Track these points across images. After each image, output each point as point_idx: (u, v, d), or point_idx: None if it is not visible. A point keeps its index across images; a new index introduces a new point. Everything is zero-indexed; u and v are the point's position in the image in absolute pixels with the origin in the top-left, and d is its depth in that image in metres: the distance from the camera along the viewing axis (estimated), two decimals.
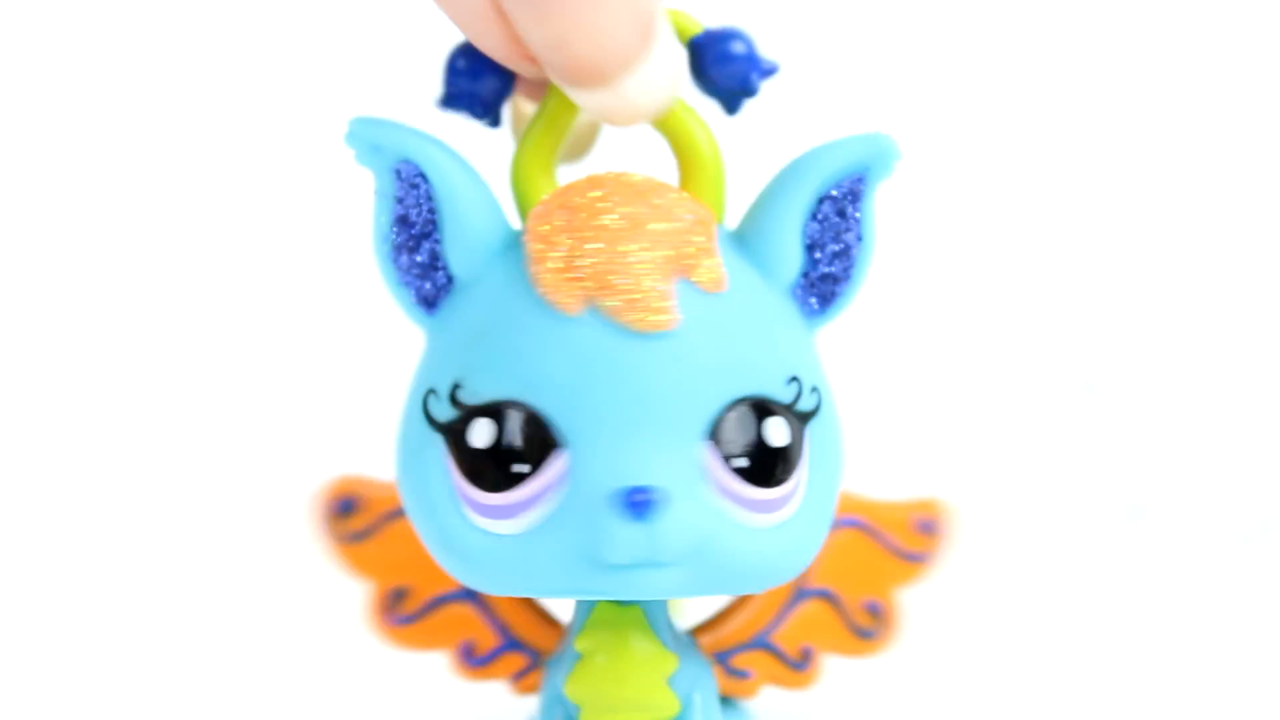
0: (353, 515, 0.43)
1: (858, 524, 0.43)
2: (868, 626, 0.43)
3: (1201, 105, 0.73)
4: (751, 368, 0.37)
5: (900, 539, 0.43)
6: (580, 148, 0.43)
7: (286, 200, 0.70)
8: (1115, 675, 0.52)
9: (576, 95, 0.37)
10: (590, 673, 0.39)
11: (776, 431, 0.38)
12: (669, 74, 0.38)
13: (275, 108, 0.69)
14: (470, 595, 0.43)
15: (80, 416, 0.68)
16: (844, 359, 0.41)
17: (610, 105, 0.37)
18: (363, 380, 0.49)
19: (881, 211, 0.39)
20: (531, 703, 0.43)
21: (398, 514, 0.43)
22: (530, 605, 0.43)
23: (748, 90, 0.40)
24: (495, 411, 0.37)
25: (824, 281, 0.39)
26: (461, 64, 0.40)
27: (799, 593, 0.43)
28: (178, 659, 0.55)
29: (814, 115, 0.49)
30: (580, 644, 0.40)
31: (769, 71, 0.40)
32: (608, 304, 0.36)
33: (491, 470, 0.37)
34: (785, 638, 0.43)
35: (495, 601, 0.43)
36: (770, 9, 0.42)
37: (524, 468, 0.37)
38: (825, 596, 0.43)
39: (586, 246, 0.37)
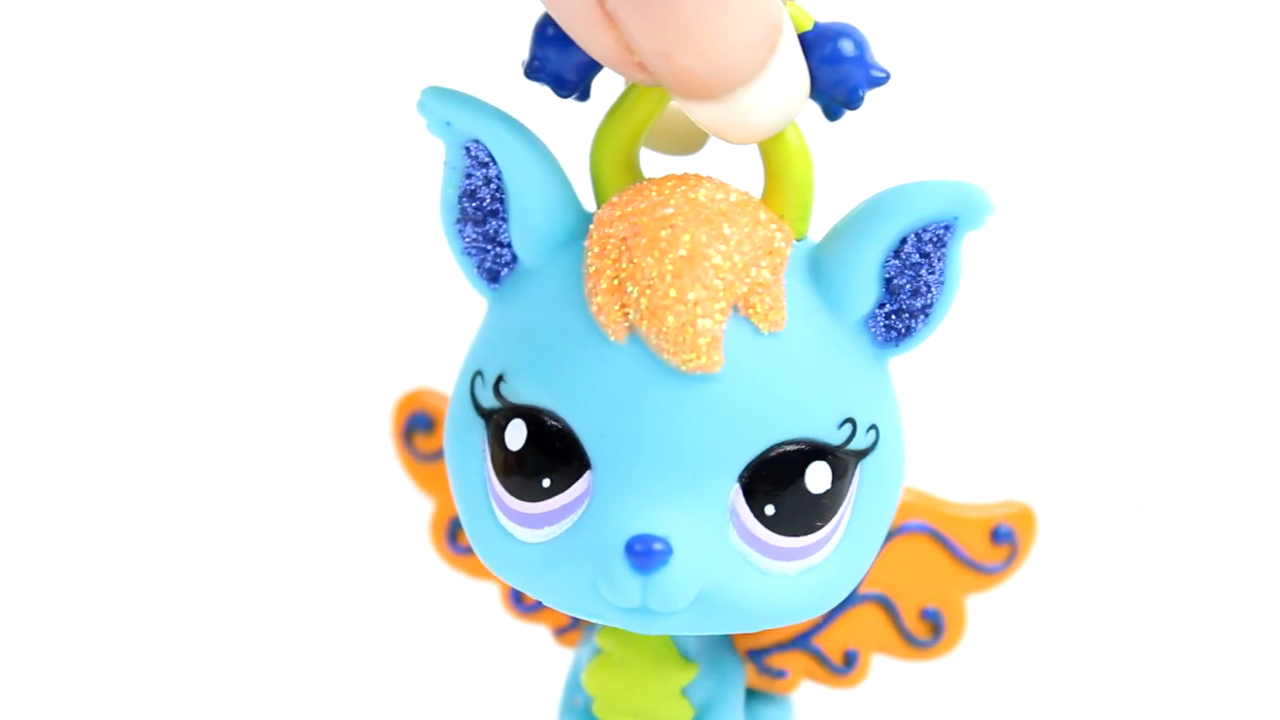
0: (426, 434, 0.43)
1: (927, 530, 0.41)
2: (923, 636, 0.42)
3: (1202, 106, 0.69)
4: (799, 412, 0.36)
5: (971, 549, 0.42)
6: (691, 144, 0.40)
7: (363, 165, 0.69)
8: (1115, 675, 0.51)
9: (687, 108, 0.35)
10: (606, 671, 0.39)
11: (817, 478, 0.36)
12: (790, 91, 0.35)
13: (347, 73, 0.67)
14: None
15: (100, 402, 0.69)
16: None
17: (723, 121, 0.35)
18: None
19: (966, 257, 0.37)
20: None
21: None
22: None
23: (853, 102, 0.37)
24: (532, 416, 0.36)
25: (899, 316, 0.37)
26: (551, 32, 0.37)
27: (850, 595, 0.41)
28: (205, 639, 0.57)
29: (913, 128, 0.46)
30: (602, 639, 0.40)
31: (878, 81, 0.37)
32: (652, 339, 0.35)
33: (521, 476, 0.36)
34: (829, 640, 0.42)
35: None
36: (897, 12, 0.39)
37: (548, 482, 0.36)
38: (879, 601, 0.42)
39: (642, 273, 0.35)
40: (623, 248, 0.35)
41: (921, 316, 0.37)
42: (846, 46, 0.37)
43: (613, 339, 0.35)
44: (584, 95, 0.38)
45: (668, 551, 0.35)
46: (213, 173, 0.71)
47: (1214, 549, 0.62)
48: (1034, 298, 0.70)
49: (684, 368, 0.35)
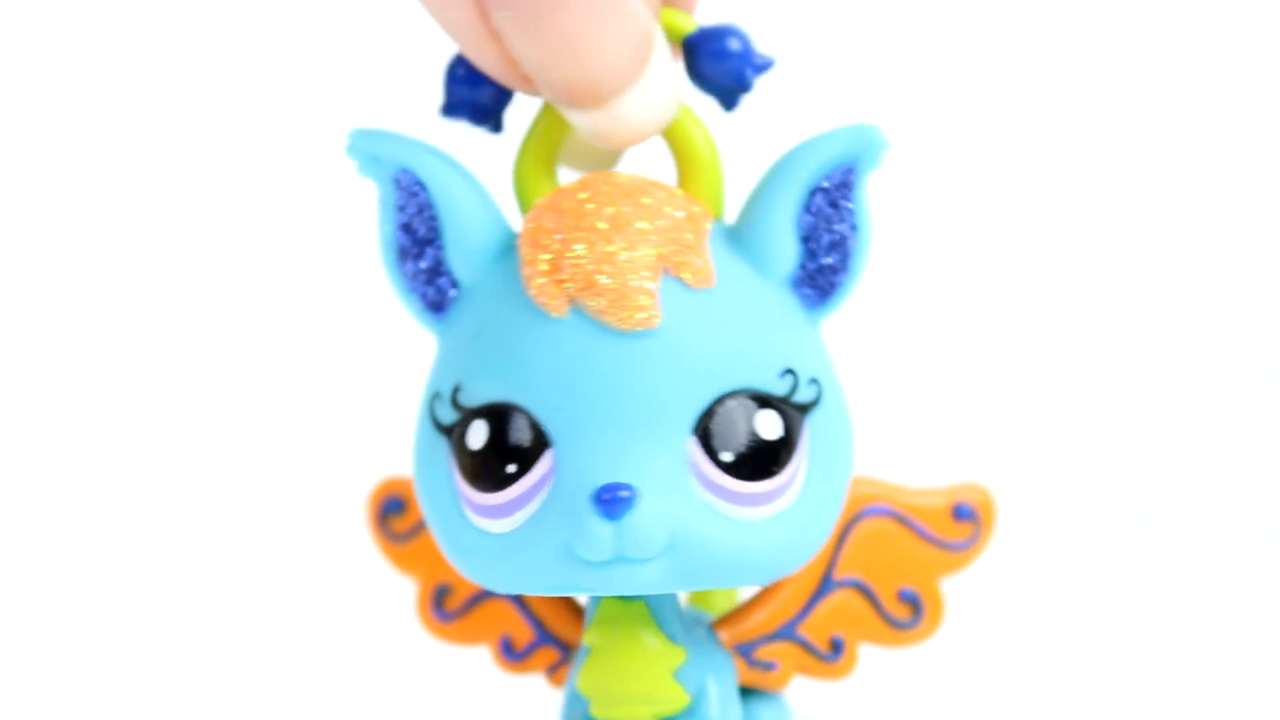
0: (399, 515, 0.45)
1: (888, 512, 0.43)
2: (903, 617, 0.43)
3: (1202, 104, 0.72)
4: (741, 362, 0.38)
5: (935, 527, 0.43)
6: (603, 162, 0.43)
7: (290, 211, 0.72)
8: (1115, 675, 0.51)
9: (569, 116, 0.38)
10: (597, 667, 0.40)
11: (767, 425, 0.38)
12: (665, 93, 0.38)
13: (282, 120, 0.70)
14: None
15: (102, 430, 0.70)
16: (844, 360, 0.41)
17: (603, 127, 0.38)
18: (389, 384, 0.50)
19: (879, 208, 0.39)
20: None
21: None
22: (563, 600, 0.44)
23: (743, 87, 0.40)
24: (490, 412, 0.38)
25: (822, 273, 0.39)
26: (461, 72, 0.40)
27: (826, 583, 0.43)
28: (209, 655, 0.58)
29: (815, 107, 0.49)
30: (589, 638, 0.40)
31: (764, 67, 0.40)
32: (591, 304, 0.37)
33: (485, 470, 0.38)
34: (813, 629, 0.43)
35: (529, 597, 0.44)
36: (764, 3, 0.42)
37: (514, 467, 0.38)
38: (856, 586, 0.43)
39: (572, 248, 0.37)
40: (551, 231, 0.38)
41: (842, 271, 0.39)
42: (732, 43, 0.40)
43: (554, 315, 0.37)
44: (497, 127, 0.41)
45: (634, 495, 0.36)
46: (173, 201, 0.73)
47: (1214, 549, 0.62)
48: (1033, 297, 0.71)
49: (624, 326, 0.37)
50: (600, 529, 0.36)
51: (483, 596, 0.44)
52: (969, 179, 0.71)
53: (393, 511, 0.45)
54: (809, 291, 0.40)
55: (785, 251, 0.39)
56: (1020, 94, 0.72)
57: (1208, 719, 0.49)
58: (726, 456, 0.37)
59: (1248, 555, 0.61)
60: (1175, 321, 0.70)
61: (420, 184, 0.40)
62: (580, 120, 0.38)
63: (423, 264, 0.40)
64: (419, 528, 0.45)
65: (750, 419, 0.38)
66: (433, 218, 0.40)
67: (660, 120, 0.38)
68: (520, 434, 0.38)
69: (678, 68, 0.39)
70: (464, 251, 0.40)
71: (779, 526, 0.38)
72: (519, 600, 0.44)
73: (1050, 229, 0.71)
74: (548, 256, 0.38)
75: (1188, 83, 0.72)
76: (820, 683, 0.43)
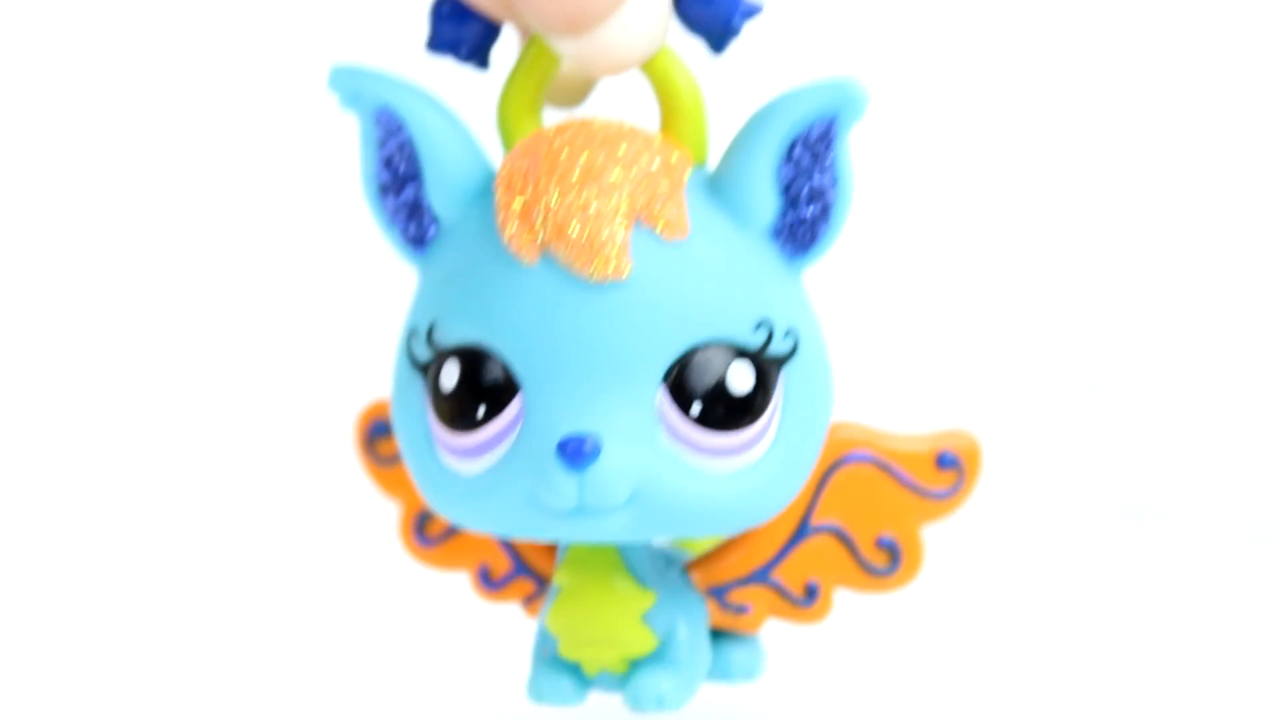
0: (386, 439, 0.45)
1: (870, 459, 0.42)
2: (881, 564, 0.43)
3: (1202, 102, 0.71)
4: (713, 313, 0.38)
5: (918, 475, 0.43)
6: (577, 93, 0.42)
7: (274, 144, 0.72)
8: (1115, 675, 0.51)
9: (554, 43, 0.38)
10: (565, 607, 0.40)
11: (739, 376, 0.38)
12: (650, 22, 0.38)
13: (268, 55, 0.70)
14: None
15: (88, 387, 0.71)
16: (842, 360, 0.41)
17: (587, 54, 0.38)
18: (377, 311, 0.51)
19: (872, 208, 0.39)
20: None
21: None
22: None
23: (730, 30, 0.39)
24: (463, 354, 0.38)
25: (802, 225, 0.39)
26: (446, 9, 0.40)
27: (803, 528, 0.43)
28: (193, 633, 0.57)
29: (803, 54, 0.48)
30: (559, 578, 0.41)
31: (752, 11, 0.40)
32: (561, 253, 0.37)
33: (457, 410, 0.38)
34: (788, 573, 0.43)
35: None
36: None
37: (483, 410, 0.38)
38: (834, 532, 0.43)
39: (545, 195, 0.37)
40: (526, 176, 0.38)
41: (823, 222, 0.39)
42: None
43: (525, 262, 0.37)
44: (483, 63, 0.41)
45: (597, 446, 0.36)
46: (171, 183, 0.73)
47: (1213, 549, 0.62)
48: (1032, 296, 0.71)
49: (594, 276, 0.37)
50: (563, 479, 0.37)
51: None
52: (966, 179, 0.70)
53: (379, 435, 0.45)
54: (789, 242, 0.39)
55: (764, 202, 0.39)
56: (1022, 99, 0.71)
57: (1207, 719, 0.49)
58: (696, 408, 0.37)
59: (1247, 555, 0.61)
60: (1176, 322, 0.70)
61: (400, 122, 0.40)
62: (565, 47, 0.38)
63: (403, 199, 0.40)
64: None
65: (722, 371, 0.38)
66: (413, 155, 0.40)
67: (645, 50, 0.38)
68: (490, 377, 0.38)
69: (665, 2, 0.39)
70: (444, 189, 0.40)
71: (747, 479, 0.38)
72: None
73: (1050, 227, 0.71)
74: (520, 202, 0.38)
75: (1190, 82, 0.71)
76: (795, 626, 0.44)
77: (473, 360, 0.38)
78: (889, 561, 0.43)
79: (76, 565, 0.61)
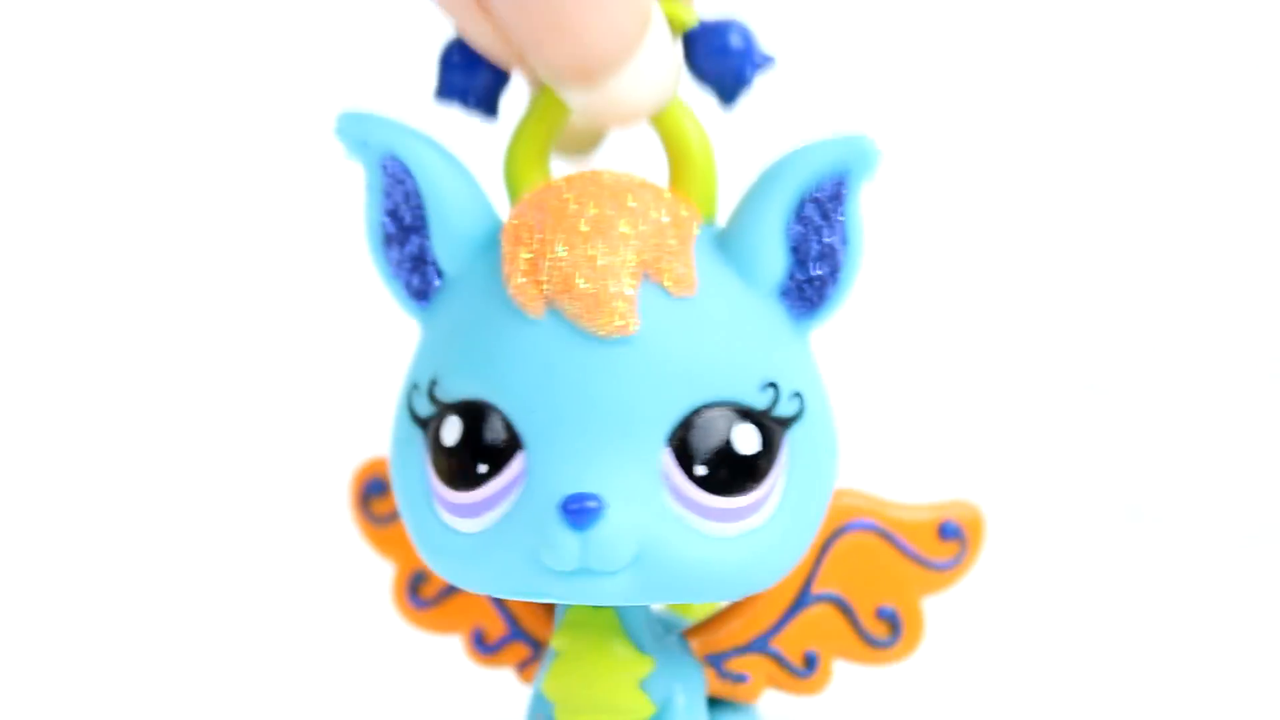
0: (381, 498, 0.44)
1: (872, 527, 0.42)
2: (881, 635, 0.42)
3: (1201, 104, 0.71)
4: (719, 373, 0.37)
5: (920, 545, 0.42)
6: (587, 143, 0.42)
7: (279, 195, 0.71)
8: (1115, 675, 0.51)
9: (564, 94, 0.37)
10: (563, 672, 0.39)
11: (744, 439, 0.37)
12: (661, 74, 0.37)
13: (272, 102, 0.70)
14: None
15: (95, 414, 0.70)
16: (843, 359, 0.40)
17: (598, 105, 0.37)
18: (386, 366, 0.50)
19: (875, 209, 0.38)
20: None
21: None
22: None
23: (741, 82, 0.39)
24: (465, 409, 0.37)
25: (811, 284, 0.38)
26: (456, 57, 0.39)
27: (804, 596, 0.42)
28: (193, 647, 0.57)
29: (815, 108, 0.48)
30: (557, 642, 0.40)
31: (764, 64, 0.39)
32: (568, 307, 0.36)
33: (458, 468, 0.37)
34: (787, 643, 0.42)
35: None
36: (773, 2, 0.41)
37: (485, 468, 0.37)
38: (834, 601, 0.42)
39: (552, 248, 0.36)
40: (533, 229, 0.37)
41: (831, 283, 0.38)
42: (734, 39, 0.39)
43: (531, 316, 0.36)
44: (491, 112, 0.40)
45: (601, 507, 0.35)
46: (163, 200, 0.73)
47: (1213, 550, 0.61)
48: (1032, 297, 0.70)
49: (600, 332, 0.36)
50: (566, 539, 0.36)
51: (457, 587, 0.44)
52: (966, 179, 0.70)
53: (375, 493, 0.44)
54: (797, 302, 0.38)
55: (773, 261, 0.38)
56: (1023, 98, 0.71)
57: (1207, 719, 0.48)
58: (700, 470, 0.37)
59: (1247, 555, 0.61)
60: (1176, 323, 0.70)
61: (407, 170, 0.39)
62: (574, 99, 0.37)
63: (408, 250, 0.39)
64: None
65: (727, 432, 0.37)
66: (419, 205, 0.39)
67: (655, 101, 0.38)
68: (493, 434, 0.37)
69: (676, 51, 0.38)
70: (449, 241, 0.39)
71: (751, 543, 0.37)
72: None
73: (1050, 231, 0.71)
74: (528, 255, 0.37)
75: (1185, 86, 0.71)
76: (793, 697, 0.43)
77: (475, 416, 0.37)
78: (889, 633, 0.42)
79: (61, 594, 0.60)
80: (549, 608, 0.43)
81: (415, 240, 0.39)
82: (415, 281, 0.40)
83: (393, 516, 0.44)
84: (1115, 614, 0.55)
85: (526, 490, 0.36)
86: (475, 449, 0.37)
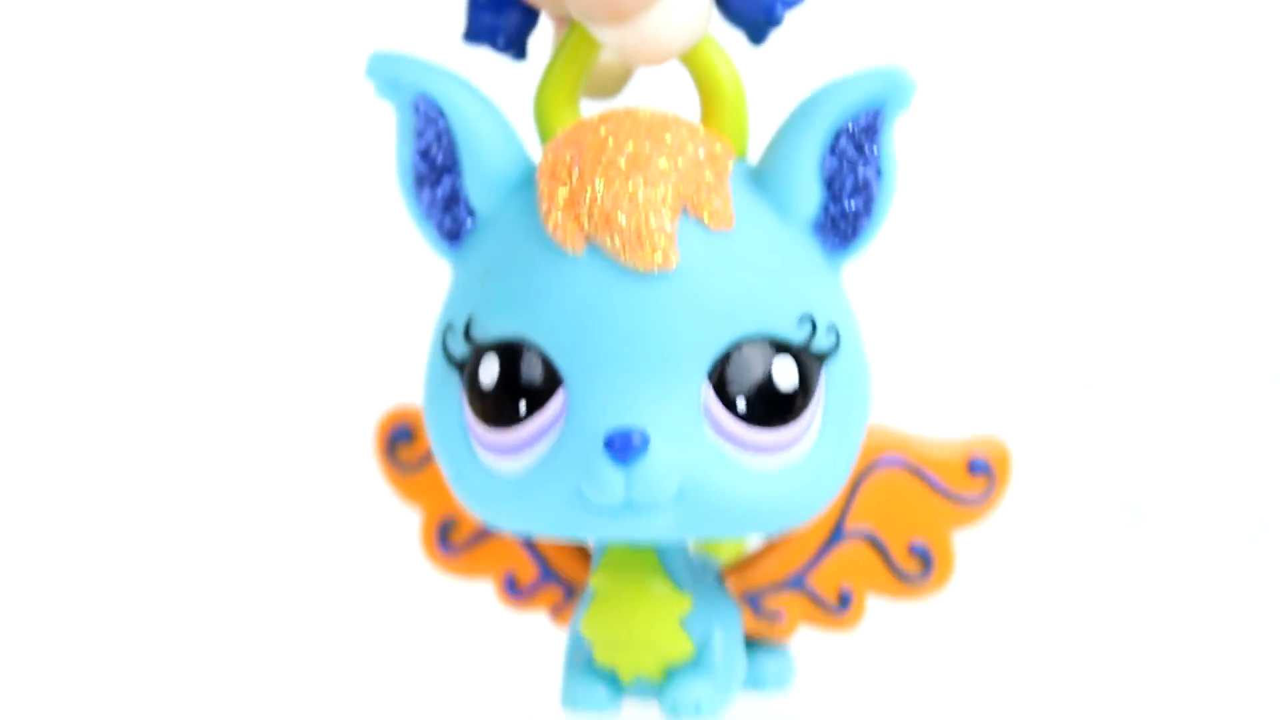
0: (408, 445, 0.44)
1: (903, 463, 0.42)
2: (913, 571, 0.42)
3: (1202, 103, 0.71)
4: (758, 307, 0.37)
5: (949, 480, 0.42)
6: (614, 84, 0.42)
7: (307, 134, 0.71)
8: (1115, 675, 0.51)
9: (597, 32, 0.37)
10: (602, 611, 0.39)
11: (783, 372, 0.37)
12: (692, 12, 0.37)
13: (304, 41, 0.69)
14: None
15: (105, 389, 0.70)
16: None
17: (630, 43, 0.37)
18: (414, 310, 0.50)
19: (903, 158, 0.38)
20: None
21: None
22: (568, 540, 0.43)
23: (772, 20, 0.39)
24: (503, 348, 0.37)
25: (845, 218, 0.38)
26: None
27: (837, 533, 0.42)
28: (241, 582, 0.57)
29: (844, 46, 0.48)
30: (596, 581, 0.40)
31: (794, 1, 0.39)
32: (608, 243, 0.36)
33: (496, 407, 0.37)
34: (821, 579, 0.42)
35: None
36: None
37: (524, 406, 0.37)
38: (867, 538, 0.42)
39: (591, 185, 0.36)
40: (571, 165, 0.37)
41: (865, 215, 0.38)
42: None
43: (570, 252, 0.36)
44: (520, 53, 0.40)
45: (645, 441, 0.35)
46: (176, 179, 0.72)
47: (1214, 550, 0.61)
48: (1033, 297, 0.70)
49: (641, 267, 0.36)
50: (611, 474, 0.36)
51: (488, 531, 0.44)
52: (967, 179, 0.70)
53: (401, 440, 0.44)
54: (831, 236, 0.39)
55: (808, 194, 0.38)
56: (1034, 92, 0.71)
57: (1207, 719, 0.48)
58: (741, 403, 0.37)
59: (1247, 555, 0.61)
60: (1177, 323, 0.70)
61: (439, 110, 0.39)
62: (609, 36, 0.37)
63: (440, 191, 0.39)
64: (427, 458, 0.44)
65: (767, 365, 0.37)
66: (451, 145, 0.39)
67: (687, 39, 0.38)
68: (532, 371, 0.37)
69: None
70: (482, 181, 0.39)
71: (792, 476, 0.37)
72: (524, 537, 0.43)
73: (1050, 231, 0.71)
74: (565, 191, 0.37)
75: (1191, 84, 0.71)
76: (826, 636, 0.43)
77: (513, 354, 0.37)
78: (922, 568, 0.42)
79: (87, 572, 0.60)
80: (582, 550, 0.43)
81: (447, 180, 0.39)
82: (447, 222, 0.39)
83: (420, 463, 0.44)
84: (1115, 614, 0.56)
85: (568, 427, 0.36)
86: (514, 387, 0.37)
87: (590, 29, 0.37)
